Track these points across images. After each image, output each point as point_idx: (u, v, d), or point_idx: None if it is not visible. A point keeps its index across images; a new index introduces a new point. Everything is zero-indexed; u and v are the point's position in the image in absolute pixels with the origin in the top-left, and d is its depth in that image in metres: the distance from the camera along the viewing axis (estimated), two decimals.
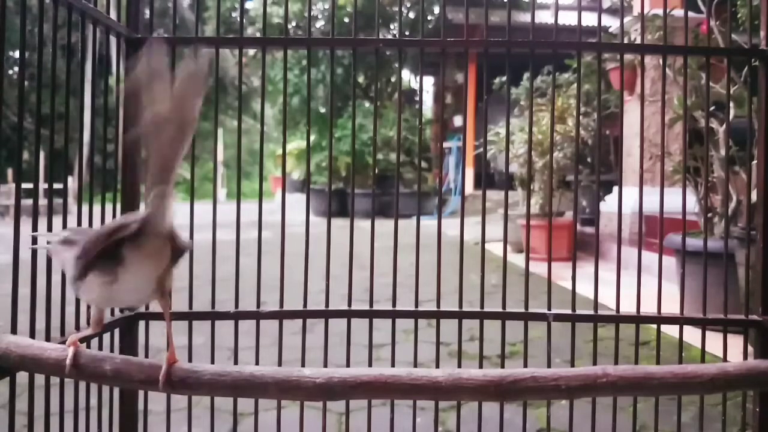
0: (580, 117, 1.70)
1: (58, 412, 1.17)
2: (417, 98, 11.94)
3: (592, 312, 1.50)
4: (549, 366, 1.44)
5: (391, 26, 11.86)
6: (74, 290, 0.83)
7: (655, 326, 1.58)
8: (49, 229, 1.18)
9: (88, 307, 1.31)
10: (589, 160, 6.65)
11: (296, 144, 12.71)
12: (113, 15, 1.43)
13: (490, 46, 1.52)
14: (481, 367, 1.52)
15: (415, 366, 1.40)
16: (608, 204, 5.61)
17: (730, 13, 1.58)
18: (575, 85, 1.72)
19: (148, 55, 0.74)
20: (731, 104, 2.73)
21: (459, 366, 1.41)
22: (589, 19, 2.28)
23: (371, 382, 0.84)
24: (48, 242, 0.87)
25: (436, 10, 11.77)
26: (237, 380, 0.84)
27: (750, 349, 1.54)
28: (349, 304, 1.50)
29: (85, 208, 1.29)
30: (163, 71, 0.74)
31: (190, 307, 1.48)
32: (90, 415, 1.29)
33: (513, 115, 6.39)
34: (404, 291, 1.51)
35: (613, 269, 1.53)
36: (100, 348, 1.32)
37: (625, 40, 3.57)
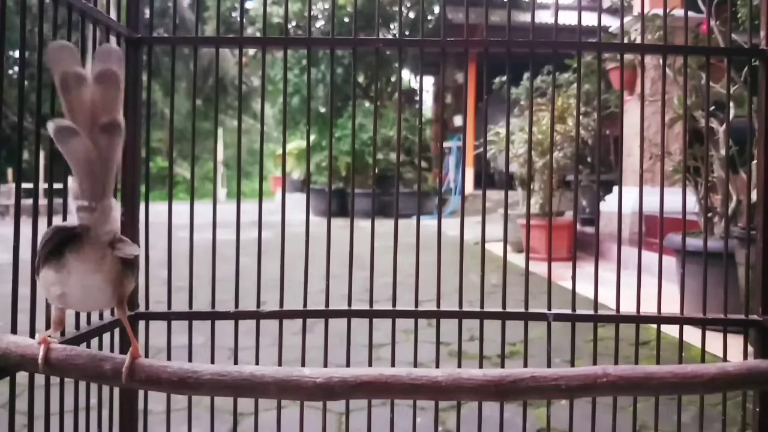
0: (580, 117, 1.70)
1: (58, 412, 1.17)
2: (417, 98, 11.94)
3: (592, 312, 1.50)
4: (549, 366, 1.44)
5: (391, 26, 11.86)
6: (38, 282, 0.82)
7: (655, 326, 1.57)
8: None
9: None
10: (589, 160, 6.65)
11: (296, 144, 12.72)
12: (113, 15, 1.43)
13: (490, 46, 1.51)
14: (481, 367, 1.52)
15: (415, 366, 1.40)
16: (608, 204, 5.61)
17: (730, 13, 1.58)
18: (575, 85, 1.72)
19: (57, 54, 0.70)
20: (731, 104, 2.73)
21: (459, 366, 1.41)
22: (589, 19, 2.27)
23: (371, 382, 0.84)
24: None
25: (436, 9, 11.77)
26: (237, 380, 0.84)
27: (750, 349, 1.54)
28: (349, 304, 1.50)
29: None
30: (78, 72, 0.70)
31: (190, 307, 1.48)
32: (90, 415, 1.29)
33: (513, 115, 6.39)
34: (404, 291, 1.51)
35: (613, 269, 1.53)
36: (100, 348, 1.32)
37: (625, 40, 3.57)
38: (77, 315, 1.25)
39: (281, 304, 1.48)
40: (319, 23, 12.16)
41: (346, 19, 9.74)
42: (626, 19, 3.92)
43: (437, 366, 1.43)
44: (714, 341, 1.52)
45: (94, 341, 1.30)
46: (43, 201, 1.17)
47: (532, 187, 5.16)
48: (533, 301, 1.50)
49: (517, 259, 5.16)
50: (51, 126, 0.69)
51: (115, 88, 0.72)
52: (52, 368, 0.86)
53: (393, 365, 1.39)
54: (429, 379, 0.85)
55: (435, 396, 0.90)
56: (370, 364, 1.48)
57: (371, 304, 1.50)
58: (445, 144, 11.68)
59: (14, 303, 1.05)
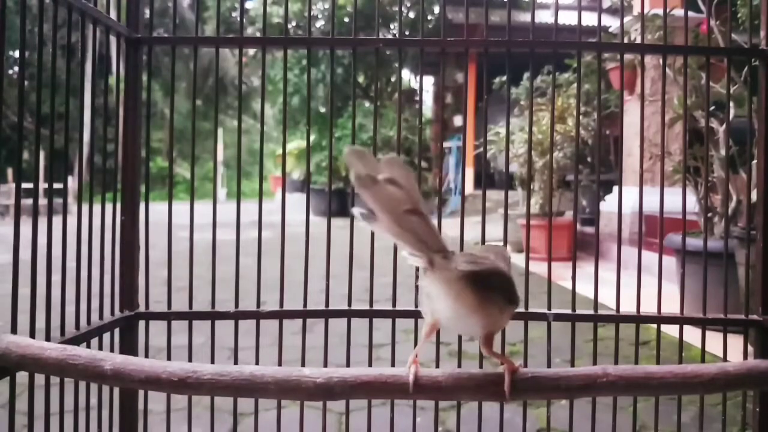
0: (580, 117, 1.70)
1: (58, 412, 1.17)
2: (417, 98, 11.93)
3: (592, 312, 1.50)
4: (549, 366, 1.44)
5: (391, 26, 11.85)
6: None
7: (655, 326, 1.57)
8: (49, 228, 1.18)
9: (88, 307, 1.31)
10: (589, 160, 6.65)
11: (296, 144, 12.72)
12: (113, 15, 1.43)
13: (490, 46, 1.51)
14: (481, 367, 1.52)
15: None
16: (608, 204, 5.62)
17: (730, 13, 1.58)
18: (575, 84, 1.72)
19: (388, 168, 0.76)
20: (731, 104, 2.73)
21: (459, 366, 1.41)
22: (589, 19, 2.28)
23: (371, 382, 0.84)
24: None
25: (436, 9, 11.77)
26: (237, 380, 0.84)
27: (750, 349, 1.54)
28: (349, 304, 1.50)
29: (85, 208, 1.29)
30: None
31: (190, 307, 1.48)
32: (90, 415, 1.29)
33: (513, 115, 6.39)
34: (404, 291, 1.51)
35: (613, 269, 1.53)
36: (100, 348, 1.32)
37: (625, 40, 3.57)
38: (77, 315, 1.26)
39: (281, 304, 1.48)
40: (319, 23, 12.16)
41: (346, 19, 9.74)
42: (626, 19, 3.92)
43: (437, 366, 1.43)
44: (714, 341, 1.51)
45: (94, 341, 1.30)
46: (43, 201, 1.17)
47: (532, 187, 5.16)
48: (533, 301, 1.50)
49: (517, 259, 5.15)
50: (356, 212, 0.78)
51: (406, 186, 0.76)
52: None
53: (393, 365, 1.39)
54: (429, 379, 0.85)
55: (435, 396, 0.90)
56: (370, 364, 1.48)
57: (371, 304, 1.50)
58: (445, 144, 11.67)
59: (14, 303, 1.05)
